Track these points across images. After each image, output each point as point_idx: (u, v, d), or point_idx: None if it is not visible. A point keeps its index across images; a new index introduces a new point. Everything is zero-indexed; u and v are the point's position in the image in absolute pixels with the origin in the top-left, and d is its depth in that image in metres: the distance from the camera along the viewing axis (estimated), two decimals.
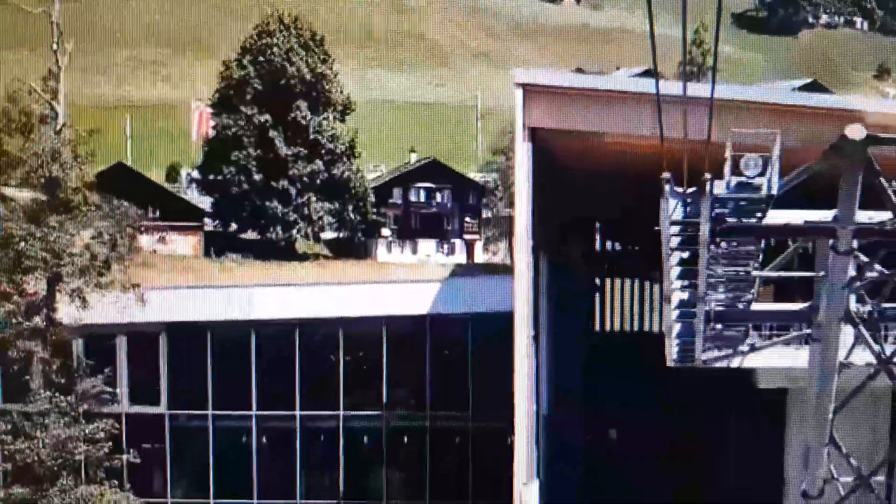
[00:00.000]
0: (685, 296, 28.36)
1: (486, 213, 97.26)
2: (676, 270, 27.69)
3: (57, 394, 51.13)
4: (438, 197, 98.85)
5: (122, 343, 56.69)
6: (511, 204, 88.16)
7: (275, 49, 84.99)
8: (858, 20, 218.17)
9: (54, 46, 55.44)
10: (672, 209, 25.22)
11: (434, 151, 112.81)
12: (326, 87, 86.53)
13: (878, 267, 27.20)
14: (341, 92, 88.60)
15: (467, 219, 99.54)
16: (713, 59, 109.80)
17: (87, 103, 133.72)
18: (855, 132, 23.56)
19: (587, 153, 39.72)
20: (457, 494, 56.92)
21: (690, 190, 24.43)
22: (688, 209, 25.03)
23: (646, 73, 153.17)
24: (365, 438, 58.26)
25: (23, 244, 49.92)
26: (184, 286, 60.39)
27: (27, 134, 52.29)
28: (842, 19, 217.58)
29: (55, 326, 51.65)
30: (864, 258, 26.97)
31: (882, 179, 24.76)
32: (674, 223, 25.28)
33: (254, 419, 57.17)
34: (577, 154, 39.88)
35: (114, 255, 51.58)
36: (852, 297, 28.18)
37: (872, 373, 28.16)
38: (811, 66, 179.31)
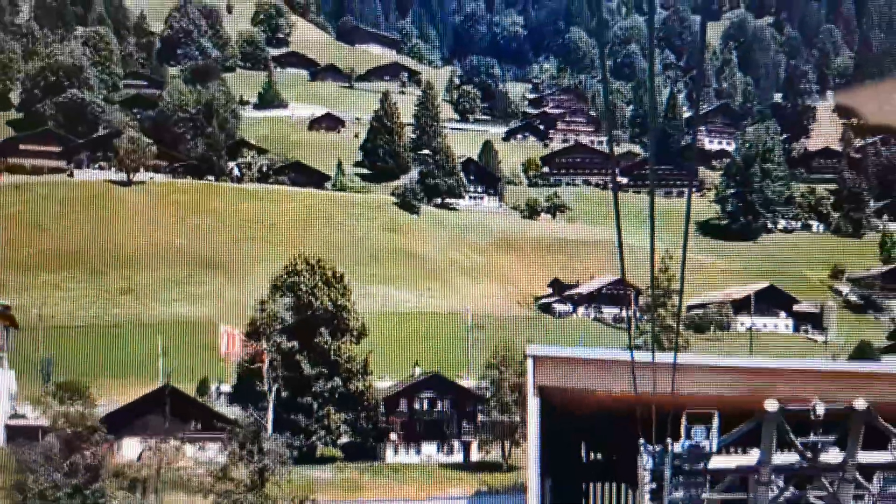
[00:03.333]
0: None
1: (481, 418, 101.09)
2: (647, 494, 37.06)
3: None
4: (439, 405, 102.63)
5: None
6: (502, 411, 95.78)
7: (302, 286, 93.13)
8: (815, 224, 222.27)
9: None
10: (645, 461, 34.78)
11: (431, 357, 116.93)
12: (345, 316, 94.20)
13: (791, 490, 36.50)
14: (357, 320, 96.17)
15: (464, 423, 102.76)
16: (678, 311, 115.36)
17: (117, 320, 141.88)
18: (771, 405, 33.16)
19: (580, 400, 48.34)
20: None
21: (658, 448, 33.86)
22: (655, 459, 34.53)
23: (617, 283, 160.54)
24: None
25: None
26: None
27: None
28: (799, 224, 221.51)
29: None
30: (780, 484, 36.28)
31: (791, 435, 34.32)
32: (646, 469, 34.73)
33: None
34: (572, 401, 48.52)
35: None
36: None
37: None
38: (770, 269, 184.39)
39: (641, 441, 34.78)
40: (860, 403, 33.49)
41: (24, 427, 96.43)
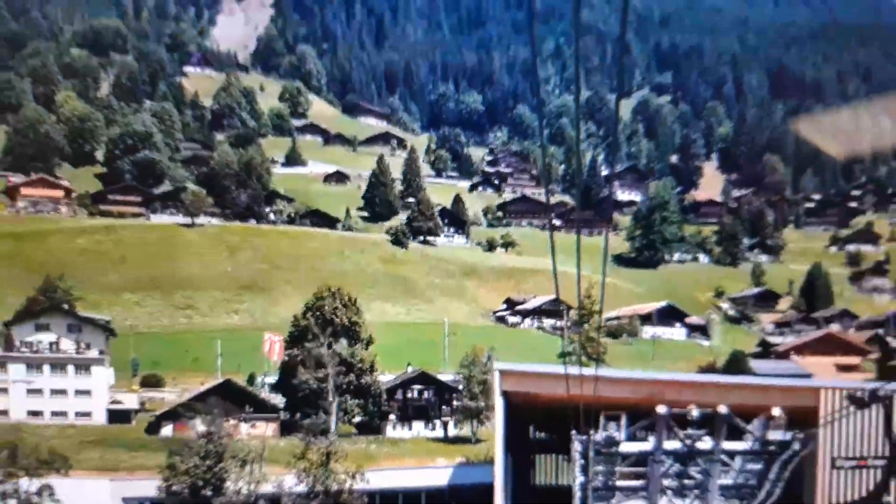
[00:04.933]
0: (582, 478, 42.07)
1: (455, 404, 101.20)
2: (578, 467, 41.54)
3: None
4: (426, 394, 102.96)
5: None
6: (471, 398, 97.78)
7: (325, 308, 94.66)
8: (702, 256, 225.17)
9: None
10: (577, 445, 39.37)
11: (417, 357, 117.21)
12: (358, 330, 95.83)
13: (676, 465, 41.01)
14: (367, 332, 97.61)
15: (444, 407, 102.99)
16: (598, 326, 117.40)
17: (183, 328, 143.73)
18: (661, 409, 37.52)
19: (531, 400, 52.23)
20: None
21: (584, 437, 38.46)
22: (583, 445, 39.13)
23: (554, 301, 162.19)
24: None
25: None
26: None
27: None
28: (690, 256, 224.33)
29: None
30: (668, 462, 40.74)
31: (676, 429, 38.70)
32: (577, 451, 39.32)
33: None
34: (525, 400, 52.43)
35: None
36: (669, 479, 41.74)
37: None
38: (668, 290, 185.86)
39: (573, 432, 39.40)
40: (723, 409, 38.02)
41: (120, 411, 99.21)
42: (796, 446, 39.38)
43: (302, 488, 68.74)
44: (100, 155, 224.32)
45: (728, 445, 40.22)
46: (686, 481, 42.69)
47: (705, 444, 40.29)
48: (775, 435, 39.67)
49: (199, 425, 75.36)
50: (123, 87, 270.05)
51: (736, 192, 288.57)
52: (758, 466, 41.40)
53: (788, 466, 40.16)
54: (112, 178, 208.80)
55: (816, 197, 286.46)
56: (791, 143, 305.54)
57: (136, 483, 71.95)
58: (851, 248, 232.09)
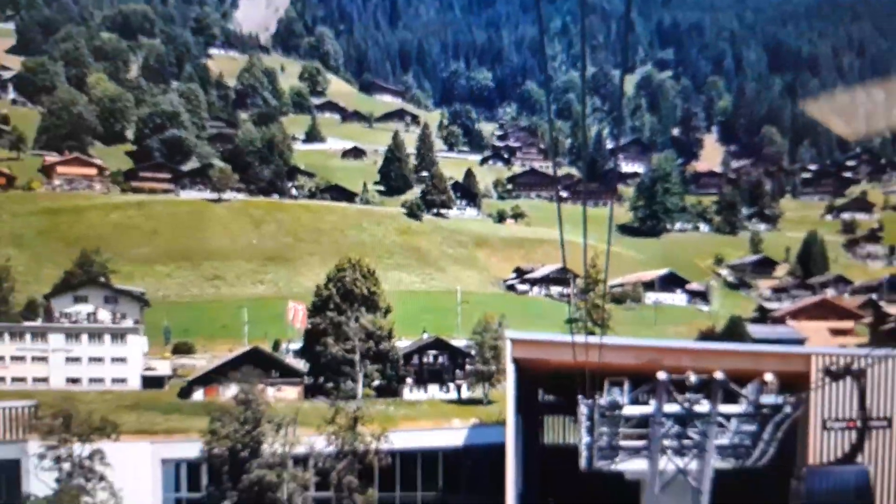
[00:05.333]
0: (587, 438, 42.57)
1: (468, 368, 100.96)
2: (584, 428, 42.05)
3: None
4: (440, 359, 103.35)
5: None
6: (484, 362, 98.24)
7: (346, 279, 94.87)
8: (702, 225, 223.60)
9: None
10: (583, 409, 39.87)
11: (432, 323, 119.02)
12: (377, 299, 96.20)
13: (676, 427, 41.50)
14: (385, 301, 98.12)
15: (457, 371, 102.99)
16: (602, 298, 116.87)
17: (211, 298, 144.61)
18: (661, 375, 37.88)
19: (540, 365, 52.95)
20: None
21: (590, 401, 38.94)
22: (589, 407, 39.60)
23: (560, 269, 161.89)
24: None
25: None
26: None
27: None
28: (690, 225, 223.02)
29: None
30: (668, 424, 41.19)
31: (675, 393, 39.09)
32: (583, 414, 39.83)
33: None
34: (535, 365, 53.17)
35: None
36: (669, 440, 42.17)
37: (675, 475, 41.53)
38: (669, 258, 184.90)
39: (580, 396, 39.79)
40: (719, 374, 38.28)
41: (153, 377, 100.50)
42: (788, 409, 39.52)
43: (331, 449, 69.88)
44: (130, 134, 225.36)
45: (724, 408, 40.44)
46: (685, 441, 42.72)
47: (703, 407, 40.38)
48: (768, 398, 39.93)
49: (232, 390, 76.66)
50: (151, 68, 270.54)
51: (735, 163, 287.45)
52: (752, 428, 41.58)
53: (781, 428, 40.31)
54: (142, 155, 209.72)
55: (813, 167, 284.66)
56: (788, 116, 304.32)
57: (173, 445, 73.17)
58: (846, 216, 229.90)
